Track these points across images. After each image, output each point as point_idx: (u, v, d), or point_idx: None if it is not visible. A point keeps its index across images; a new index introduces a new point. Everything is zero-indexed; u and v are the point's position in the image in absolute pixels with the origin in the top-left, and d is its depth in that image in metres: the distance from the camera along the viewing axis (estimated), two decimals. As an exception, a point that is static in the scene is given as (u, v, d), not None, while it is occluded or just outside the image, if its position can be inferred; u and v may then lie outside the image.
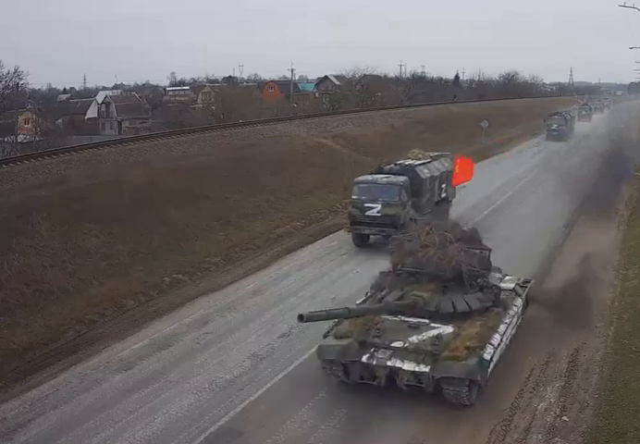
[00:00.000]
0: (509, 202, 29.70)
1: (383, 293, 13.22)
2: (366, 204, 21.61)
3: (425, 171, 23.41)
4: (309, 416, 11.59)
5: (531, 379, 12.71)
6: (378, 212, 21.44)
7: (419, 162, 23.97)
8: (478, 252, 13.56)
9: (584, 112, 72.24)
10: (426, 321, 12.06)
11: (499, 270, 14.81)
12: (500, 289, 13.49)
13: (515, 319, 13.50)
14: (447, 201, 25.52)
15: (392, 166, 23.42)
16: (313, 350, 13.49)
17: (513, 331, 13.35)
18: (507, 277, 14.83)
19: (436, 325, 11.96)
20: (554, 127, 55.09)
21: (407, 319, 12.17)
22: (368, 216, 21.59)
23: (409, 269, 13.14)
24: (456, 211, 26.82)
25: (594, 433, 10.79)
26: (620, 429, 10.76)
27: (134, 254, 19.51)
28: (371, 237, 22.27)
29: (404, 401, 11.52)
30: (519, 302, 14.04)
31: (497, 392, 12.07)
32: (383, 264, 14.75)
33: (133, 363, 13.77)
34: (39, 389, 12.72)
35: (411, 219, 21.42)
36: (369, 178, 22.60)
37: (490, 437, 10.86)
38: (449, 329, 11.85)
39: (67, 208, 19.87)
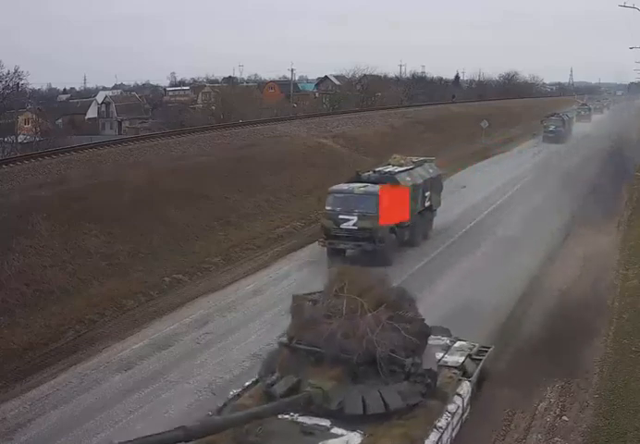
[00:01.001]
0: (509, 202, 29.76)
1: (274, 378, 9.07)
2: (341, 216, 20.01)
3: (407, 179, 21.90)
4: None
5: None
6: (354, 224, 19.87)
7: (400, 169, 22.49)
8: (405, 324, 8.92)
9: (582, 112, 71.02)
10: (327, 423, 8.28)
11: (447, 332, 11.02)
12: (436, 374, 9.11)
13: (457, 417, 9.27)
14: (431, 210, 23.96)
15: (371, 173, 21.86)
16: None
17: (456, 430, 9.25)
18: (456, 345, 10.69)
19: (338, 430, 8.15)
20: (551, 128, 53.42)
21: (301, 419, 8.35)
22: (343, 229, 20.01)
23: (305, 347, 8.94)
24: (457, 211, 26.91)
25: (594, 433, 10.78)
26: (620, 429, 10.76)
27: (134, 254, 19.52)
28: (347, 251, 20.68)
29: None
30: (465, 388, 9.67)
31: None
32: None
33: (133, 363, 13.77)
34: (39, 389, 12.73)
35: (391, 232, 20.40)
36: (344, 187, 20.87)
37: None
38: (355, 439, 8.06)
39: (67, 208, 19.88)
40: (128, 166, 25.11)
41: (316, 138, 37.54)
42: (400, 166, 22.92)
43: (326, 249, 20.84)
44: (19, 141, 48.27)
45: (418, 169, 23.13)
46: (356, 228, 19.81)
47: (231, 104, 54.00)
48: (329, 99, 71.28)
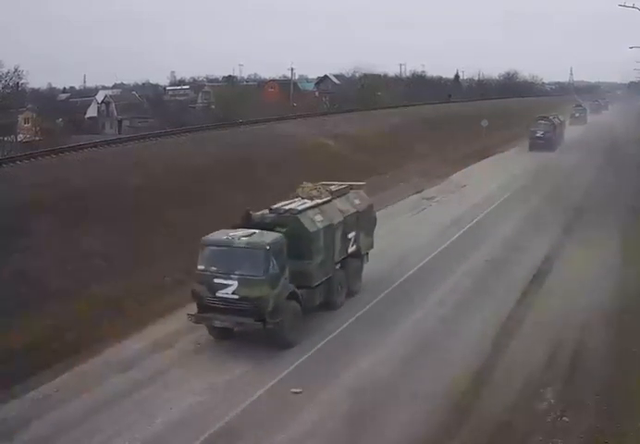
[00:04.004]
0: (509, 200, 29.80)
1: None
2: (217, 280, 13.94)
3: (318, 219, 15.78)
4: (310, 416, 11.60)
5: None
6: (234, 292, 13.81)
7: (309, 204, 16.16)
8: None
9: (577, 114, 66.36)
10: None
11: None
12: None
13: None
14: (358, 256, 17.74)
15: (265, 212, 15.79)
16: (314, 350, 13.59)
17: None
18: None
19: None
20: (539, 134, 46.56)
21: None
22: (220, 299, 14.00)
23: None
24: (459, 210, 26.93)
25: (594, 433, 10.80)
26: (620, 429, 10.78)
27: (134, 254, 19.47)
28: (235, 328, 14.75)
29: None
30: None
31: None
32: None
33: (133, 363, 13.79)
34: (39, 390, 12.74)
35: (290, 299, 14.46)
36: (222, 237, 14.50)
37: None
38: None
39: (67, 208, 19.84)
40: (128, 166, 25.04)
41: (316, 138, 37.44)
42: (311, 198, 16.68)
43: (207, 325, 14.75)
44: (19, 140, 48.24)
45: (337, 203, 17.06)
46: (236, 297, 13.86)
47: (231, 104, 53.98)
48: (329, 99, 71.30)
